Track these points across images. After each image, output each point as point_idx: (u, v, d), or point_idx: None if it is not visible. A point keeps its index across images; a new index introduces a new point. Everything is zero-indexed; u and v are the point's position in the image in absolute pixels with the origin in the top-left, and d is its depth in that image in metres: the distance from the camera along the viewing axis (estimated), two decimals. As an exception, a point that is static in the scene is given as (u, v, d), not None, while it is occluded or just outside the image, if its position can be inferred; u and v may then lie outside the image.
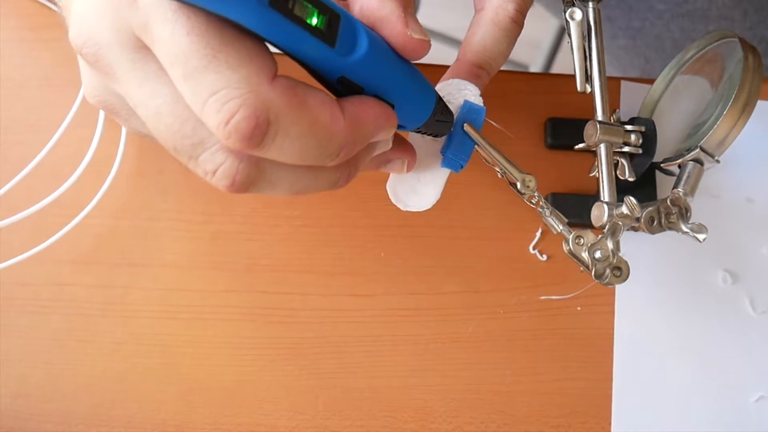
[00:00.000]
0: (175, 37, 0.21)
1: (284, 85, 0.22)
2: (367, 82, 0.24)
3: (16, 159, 0.42)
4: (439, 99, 0.28)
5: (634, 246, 0.42)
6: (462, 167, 0.31)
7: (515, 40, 0.32)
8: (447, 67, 0.42)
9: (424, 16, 1.01)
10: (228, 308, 0.41)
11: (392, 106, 0.25)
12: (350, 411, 0.40)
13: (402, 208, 0.31)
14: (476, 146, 0.31)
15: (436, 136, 0.30)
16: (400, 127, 0.27)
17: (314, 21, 0.21)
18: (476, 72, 0.31)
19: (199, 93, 0.21)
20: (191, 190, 0.43)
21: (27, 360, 0.40)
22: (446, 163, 0.31)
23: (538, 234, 0.43)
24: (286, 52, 0.22)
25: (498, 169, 0.32)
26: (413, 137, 0.31)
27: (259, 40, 0.21)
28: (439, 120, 0.29)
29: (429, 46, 0.25)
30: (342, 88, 0.24)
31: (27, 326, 0.41)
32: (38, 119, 0.44)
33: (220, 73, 0.21)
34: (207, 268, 0.42)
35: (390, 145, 0.28)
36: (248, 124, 0.21)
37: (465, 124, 0.30)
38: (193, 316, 0.41)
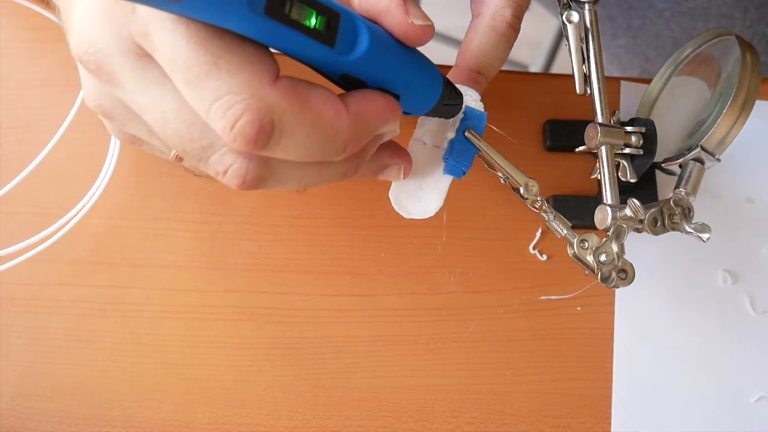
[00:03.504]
0: (176, 45, 0.21)
1: (286, 86, 0.22)
2: (369, 77, 0.24)
3: (16, 159, 0.42)
4: (447, 83, 0.28)
5: (634, 246, 0.42)
6: (464, 173, 0.31)
7: (512, 44, 0.32)
8: (447, 67, 0.42)
9: (424, 15, 1.01)
10: (228, 308, 0.41)
11: (397, 97, 0.25)
12: (350, 411, 0.40)
13: (405, 216, 0.31)
14: (478, 152, 0.31)
15: (447, 117, 0.30)
16: (408, 113, 0.27)
17: (313, 22, 0.21)
18: (475, 77, 0.31)
19: (203, 99, 0.21)
20: (191, 190, 0.43)
21: (27, 360, 0.40)
22: (448, 170, 0.31)
23: (538, 234, 0.43)
24: (287, 54, 0.22)
25: (500, 174, 0.32)
26: (415, 146, 0.31)
27: (259, 43, 0.22)
28: (448, 104, 0.29)
29: (433, 30, 0.25)
30: (345, 83, 0.24)
31: (27, 326, 0.41)
32: (38, 119, 0.44)
33: (222, 79, 0.21)
34: (207, 268, 0.42)
35: (399, 132, 0.28)
36: (252, 128, 0.21)
37: (466, 131, 0.30)
38: (193, 316, 0.41)
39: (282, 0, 0.20)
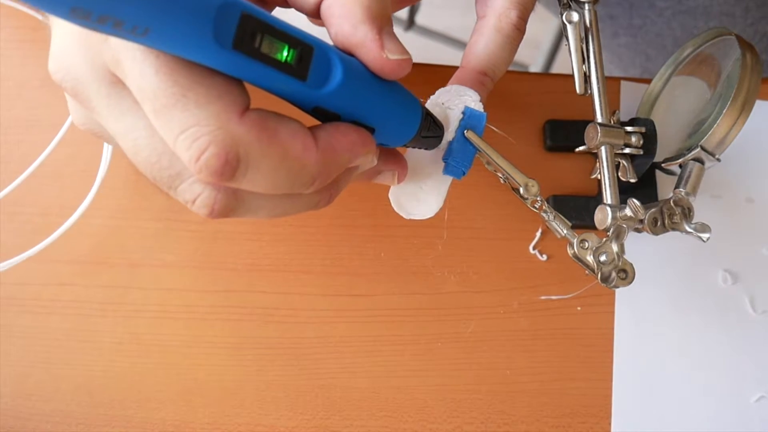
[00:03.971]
0: (144, 75, 0.21)
1: (254, 120, 0.22)
2: (342, 111, 0.24)
3: (16, 159, 0.42)
4: (426, 115, 0.28)
5: (634, 246, 0.42)
6: (464, 174, 0.30)
7: (518, 46, 0.32)
8: (447, 66, 0.42)
9: (424, 15, 1.01)
10: (228, 308, 0.41)
11: (372, 129, 0.25)
12: (350, 411, 0.40)
13: (405, 216, 0.31)
14: (478, 152, 0.31)
15: (426, 149, 0.30)
16: (384, 145, 0.27)
17: (284, 55, 0.21)
18: (481, 79, 0.31)
19: (170, 129, 0.21)
20: (191, 190, 0.43)
21: (27, 360, 0.40)
22: (448, 170, 0.30)
23: (538, 234, 0.43)
24: (257, 86, 0.22)
25: (500, 174, 0.32)
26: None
27: (229, 75, 0.22)
28: (426, 136, 0.28)
29: (409, 63, 0.25)
30: (318, 116, 0.24)
31: (27, 326, 0.41)
32: (38, 119, 0.44)
33: (189, 110, 0.21)
34: (207, 268, 0.42)
35: (374, 163, 0.27)
36: (218, 161, 0.21)
37: (466, 131, 0.30)
38: (193, 316, 0.41)
39: (252, 33, 0.20)
